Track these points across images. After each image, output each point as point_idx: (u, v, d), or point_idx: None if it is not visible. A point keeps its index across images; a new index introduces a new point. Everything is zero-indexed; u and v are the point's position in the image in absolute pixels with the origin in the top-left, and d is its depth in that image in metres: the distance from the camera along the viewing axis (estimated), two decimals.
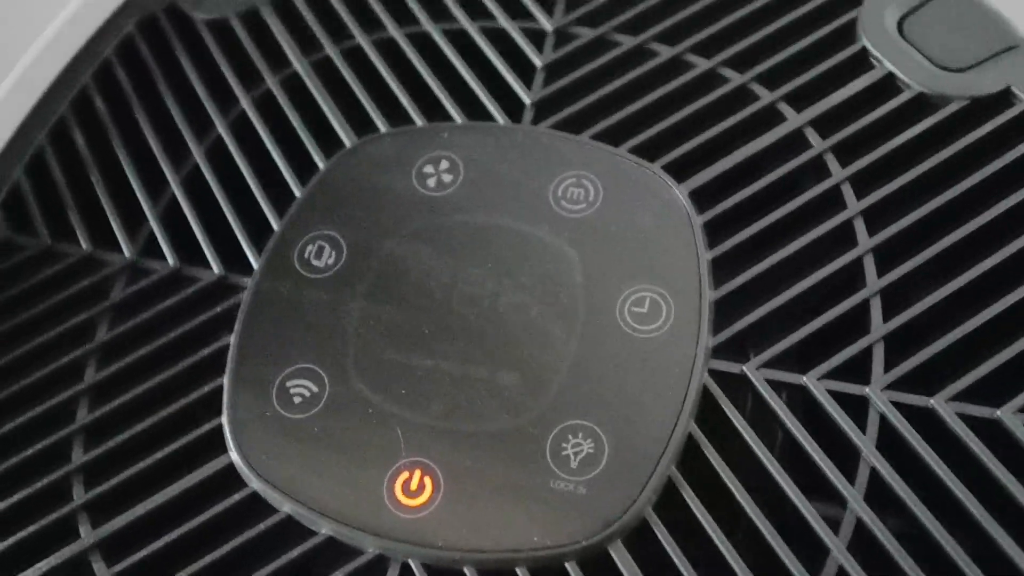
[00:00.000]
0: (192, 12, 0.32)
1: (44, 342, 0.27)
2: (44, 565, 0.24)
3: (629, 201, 0.26)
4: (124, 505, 0.24)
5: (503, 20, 0.30)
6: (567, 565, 0.22)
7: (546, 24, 0.30)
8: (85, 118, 0.31)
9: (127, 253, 0.28)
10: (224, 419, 0.25)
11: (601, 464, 0.23)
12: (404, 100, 0.29)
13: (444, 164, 0.27)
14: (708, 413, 0.23)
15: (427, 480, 0.23)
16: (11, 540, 0.24)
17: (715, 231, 0.25)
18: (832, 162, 0.26)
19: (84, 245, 0.28)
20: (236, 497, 0.24)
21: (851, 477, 0.22)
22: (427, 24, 0.31)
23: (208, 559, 0.23)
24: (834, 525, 0.21)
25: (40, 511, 0.24)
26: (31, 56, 0.31)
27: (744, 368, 0.23)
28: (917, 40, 0.27)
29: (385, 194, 0.27)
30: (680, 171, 0.26)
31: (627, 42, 0.29)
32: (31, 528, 0.24)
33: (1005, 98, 0.26)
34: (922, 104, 0.26)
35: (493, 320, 0.25)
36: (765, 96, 0.27)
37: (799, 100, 0.27)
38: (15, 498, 0.24)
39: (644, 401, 0.23)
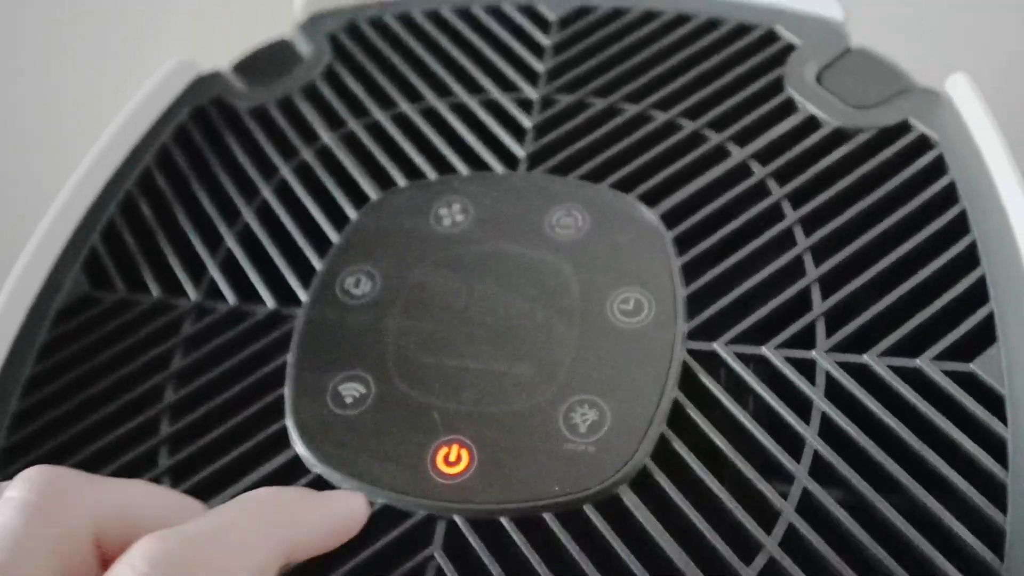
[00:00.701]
0: (235, 102, 0.38)
1: (129, 372, 0.32)
2: None
3: (611, 224, 0.32)
4: (206, 498, 0.29)
5: (496, 93, 0.36)
6: (585, 508, 0.26)
7: (532, 93, 0.36)
8: (149, 192, 0.36)
9: (192, 297, 0.33)
10: (288, 420, 0.30)
11: (605, 427, 0.28)
12: (419, 160, 0.35)
13: (456, 207, 0.33)
14: (688, 384, 0.28)
15: (463, 452, 0.28)
16: None
17: (682, 243, 0.31)
18: (772, 185, 0.32)
19: (155, 293, 0.34)
20: (303, 481, 0.28)
21: (806, 421, 0.27)
22: (433, 100, 0.37)
23: None
24: (796, 459, 0.26)
25: None
26: (101, 144, 0.37)
27: (715, 345, 0.29)
28: (832, 88, 0.34)
29: (408, 234, 0.33)
30: (651, 199, 0.32)
31: (600, 103, 0.35)
32: None
33: (905, 127, 0.32)
34: (839, 136, 0.33)
35: (506, 324, 0.30)
36: (714, 138, 0.34)
37: (743, 139, 0.33)
38: None
39: (636, 377, 0.28)
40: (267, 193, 0.35)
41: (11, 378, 0.32)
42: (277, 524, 0.23)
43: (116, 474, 0.29)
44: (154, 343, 0.32)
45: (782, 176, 0.32)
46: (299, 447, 0.29)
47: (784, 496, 0.26)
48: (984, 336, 0.27)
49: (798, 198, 0.32)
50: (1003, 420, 0.26)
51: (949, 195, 0.31)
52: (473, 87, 0.37)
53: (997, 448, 0.26)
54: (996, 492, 0.25)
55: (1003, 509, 0.24)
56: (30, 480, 0.21)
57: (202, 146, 0.37)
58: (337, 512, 0.26)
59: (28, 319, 0.33)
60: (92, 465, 0.30)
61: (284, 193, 0.35)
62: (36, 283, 0.34)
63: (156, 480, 0.29)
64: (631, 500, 0.26)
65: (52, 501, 0.21)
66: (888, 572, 0.24)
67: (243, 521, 0.22)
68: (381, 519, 0.28)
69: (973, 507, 0.25)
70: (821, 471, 0.26)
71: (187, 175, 0.37)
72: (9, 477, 0.28)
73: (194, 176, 0.37)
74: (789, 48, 0.36)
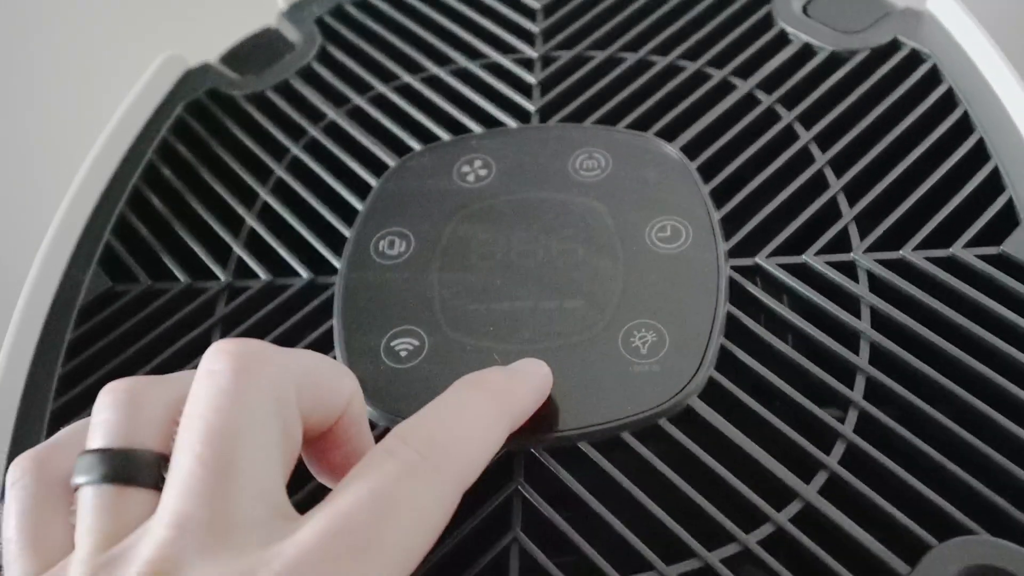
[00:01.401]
0: (231, 91, 0.38)
1: (167, 357, 0.31)
2: None
3: (635, 162, 0.33)
4: None
5: (496, 56, 0.37)
6: (660, 422, 0.27)
7: (531, 53, 0.37)
8: (156, 184, 0.36)
9: (222, 277, 0.33)
10: None
11: (665, 347, 0.28)
12: (430, 124, 0.35)
13: (478, 163, 0.34)
14: (738, 298, 0.29)
15: None
16: None
17: (706, 172, 0.32)
18: (781, 110, 0.33)
19: (182, 279, 0.33)
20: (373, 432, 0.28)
21: (857, 317, 0.28)
22: (435, 69, 0.37)
23: None
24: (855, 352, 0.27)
25: None
26: (100, 144, 0.36)
27: (756, 259, 0.30)
28: (820, 17, 0.36)
29: (434, 193, 0.33)
30: (669, 135, 0.33)
31: (599, 55, 0.36)
32: None
33: (896, 45, 0.34)
34: (835, 59, 0.34)
35: (549, 265, 0.31)
36: (718, 74, 0.35)
37: (745, 73, 0.35)
38: None
39: (686, 297, 0.29)
40: (281, 172, 0.35)
41: (41, 379, 0.31)
42: (504, 402, 0.24)
43: None
44: (189, 326, 0.32)
45: (789, 101, 0.34)
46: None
47: (849, 385, 0.27)
48: (1007, 220, 0.29)
49: (808, 119, 0.33)
50: None
51: (949, 100, 0.32)
52: (472, 53, 0.38)
53: None
54: None
55: None
56: (229, 352, 0.21)
57: (204, 136, 0.37)
58: (539, 382, 0.27)
59: (50, 319, 0.32)
60: None
61: (299, 170, 0.35)
62: (53, 283, 0.33)
63: None
64: (704, 410, 0.27)
65: (259, 367, 0.20)
66: (960, 442, 0.25)
67: (478, 402, 0.23)
68: None
69: None
70: (880, 360, 0.27)
71: (193, 164, 0.36)
72: None
73: (200, 164, 0.36)
74: None
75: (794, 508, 0.25)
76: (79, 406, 0.31)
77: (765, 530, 0.25)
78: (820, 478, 0.26)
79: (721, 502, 0.25)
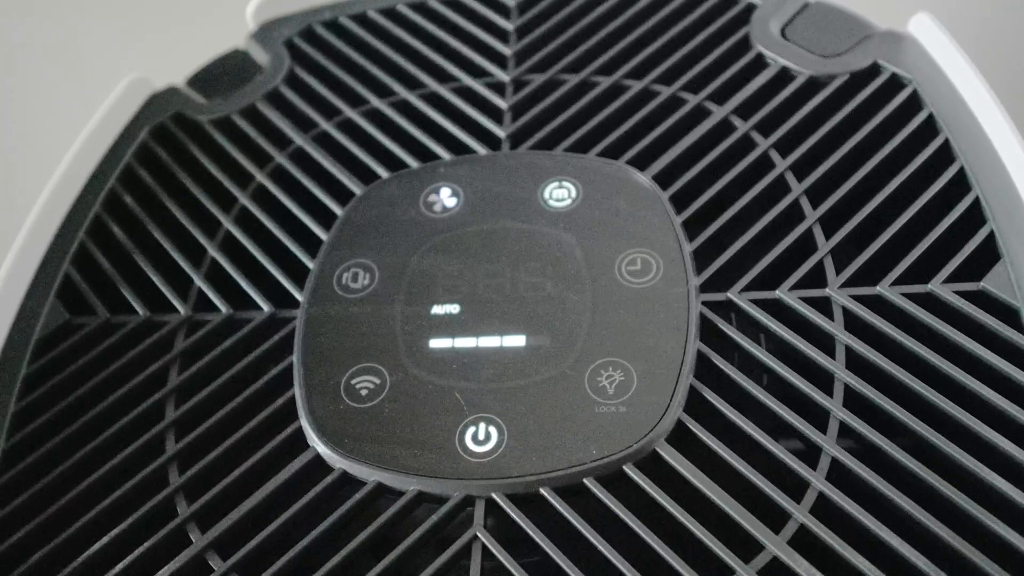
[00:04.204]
0: (196, 116, 0.37)
1: (124, 393, 0.30)
2: (166, 571, 0.26)
3: (606, 191, 0.32)
4: (224, 511, 0.27)
5: (467, 79, 0.36)
6: (625, 468, 0.26)
7: (503, 76, 0.36)
8: (117, 212, 0.35)
9: (182, 311, 0.32)
10: (303, 420, 0.28)
11: (633, 387, 0.27)
12: (398, 151, 0.34)
13: (446, 191, 0.33)
14: (709, 335, 0.28)
15: (491, 429, 0.27)
16: (128, 559, 0.27)
17: (679, 202, 0.31)
18: (757, 137, 0.32)
19: (140, 312, 0.32)
20: (328, 479, 0.27)
21: (831, 356, 0.27)
22: (404, 93, 0.36)
23: (310, 537, 0.26)
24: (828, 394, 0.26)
25: (150, 529, 0.27)
26: (61, 170, 0.35)
27: (728, 295, 0.29)
28: (798, 40, 0.35)
29: (400, 223, 0.32)
30: (641, 163, 0.32)
31: (572, 79, 0.35)
32: (143, 547, 0.27)
33: (876, 69, 0.33)
34: (814, 84, 0.33)
35: (516, 299, 0.30)
36: (692, 99, 0.34)
37: (720, 98, 0.34)
38: (130, 520, 0.27)
39: (655, 334, 0.28)
40: (245, 200, 0.34)
41: None
42: None
43: (125, 497, 0.28)
44: (147, 361, 0.31)
45: (765, 127, 0.33)
46: (319, 446, 0.28)
47: (822, 429, 0.26)
48: (988, 255, 0.28)
49: (784, 147, 0.32)
50: (1020, 331, 0.26)
51: (930, 127, 0.31)
52: (442, 76, 0.37)
53: (1019, 359, 0.26)
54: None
55: None
56: None
57: (167, 162, 0.36)
58: None
59: (5, 353, 0.31)
60: (98, 491, 0.28)
61: (263, 198, 0.34)
62: (9, 316, 0.32)
63: (170, 497, 0.28)
64: (671, 454, 0.26)
65: None
66: (934, 492, 0.24)
67: None
68: (415, 507, 0.27)
69: (1005, 417, 0.25)
70: (854, 402, 0.26)
71: (156, 192, 0.35)
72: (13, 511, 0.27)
73: (163, 192, 0.35)
74: (750, 8, 0.36)
75: (762, 560, 0.24)
76: (32, 443, 0.30)
77: None
78: (790, 527, 0.25)
79: (687, 552, 0.25)
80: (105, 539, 0.27)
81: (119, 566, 0.27)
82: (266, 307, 0.31)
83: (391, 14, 0.39)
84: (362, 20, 0.40)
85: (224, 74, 0.39)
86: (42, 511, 0.28)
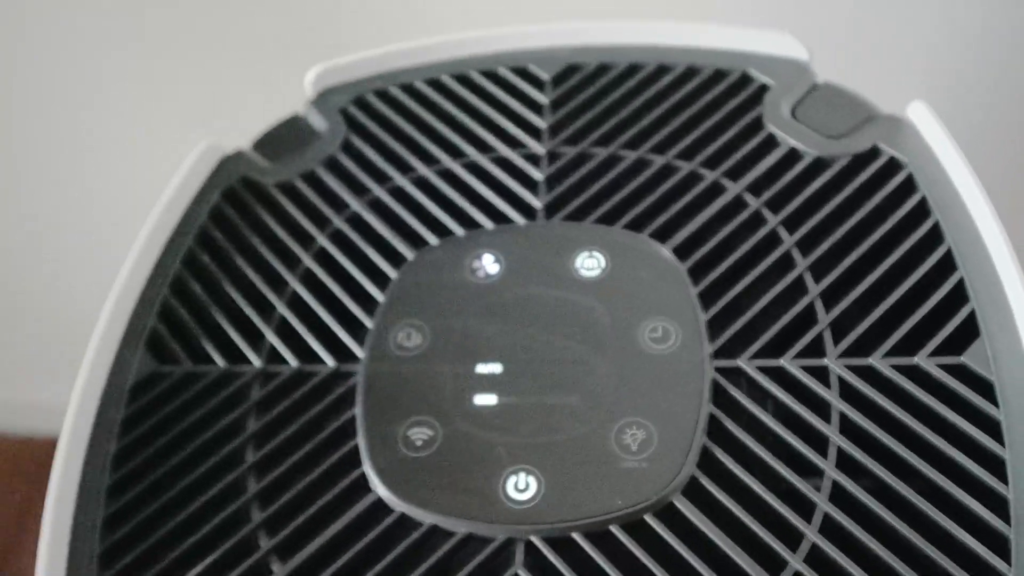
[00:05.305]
0: (262, 179, 0.42)
1: (209, 437, 0.35)
2: None
3: (631, 262, 0.36)
4: (300, 544, 0.32)
5: (506, 151, 0.40)
6: (645, 517, 0.30)
7: (538, 149, 0.40)
8: (195, 270, 0.39)
9: (256, 363, 0.36)
10: (366, 467, 0.33)
11: (653, 445, 0.31)
12: (444, 218, 0.39)
13: (488, 258, 0.37)
14: (720, 398, 0.32)
15: (530, 479, 0.31)
16: None
17: (695, 273, 0.35)
18: (767, 214, 0.36)
19: (220, 363, 0.37)
20: (388, 521, 0.32)
21: (827, 421, 0.31)
22: (448, 161, 0.41)
23: (374, 572, 0.31)
24: (823, 455, 0.30)
25: (235, 559, 0.32)
26: (146, 231, 0.39)
27: (738, 362, 0.33)
28: (807, 121, 0.38)
29: (448, 287, 0.36)
30: (662, 235, 0.36)
31: (601, 152, 0.39)
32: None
33: (876, 152, 0.37)
34: (820, 164, 0.37)
35: (551, 361, 0.34)
36: (709, 175, 0.38)
37: (735, 175, 0.38)
38: (218, 553, 0.32)
39: (674, 396, 0.32)
40: (308, 261, 0.39)
41: (98, 453, 0.35)
42: None
43: (214, 532, 0.32)
44: (227, 409, 0.35)
45: (775, 205, 0.36)
46: (380, 490, 0.32)
47: (817, 488, 0.30)
48: (969, 331, 0.32)
49: (791, 223, 0.36)
50: (994, 403, 0.30)
51: (922, 210, 0.35)
52: (483, 147, 0.41)
53: (993, 428, 0.30)
54: (997, 467, 0.29)
55: (1004, 480, 0.29)
56: None
57: (238, 223, 0.40)
58: None
59: (104, 398, 0.36)
60: (190, 526, 0.33)
61: (325, 259, 0.39)
62: (106, 365, 0.37)
63: (252, 534, 0.32)
64: (685, 506, 0.30)
65: None
66: (913, 547, 0.28)
67: None
68: (465, 547, 0.31)
69: (978, 482, 0.29)
70: (845, 464, 0.30)
71: (229, 251, 0.40)
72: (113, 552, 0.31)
73: (235, 251, 0.40)
74: (763, 88, 0.40)
75: None
76: (130, 481, 0.34)
77: None
78: (787, 572, 0.29)
79: None
80: (200, 567, 0.32)
81: None
82: (330, 362, 0.36)
83: (436, 84, 0.43)
84: (409, 90, 0.44)
85: (285, 138, 0.43)
86: (145, 540, 0.33)
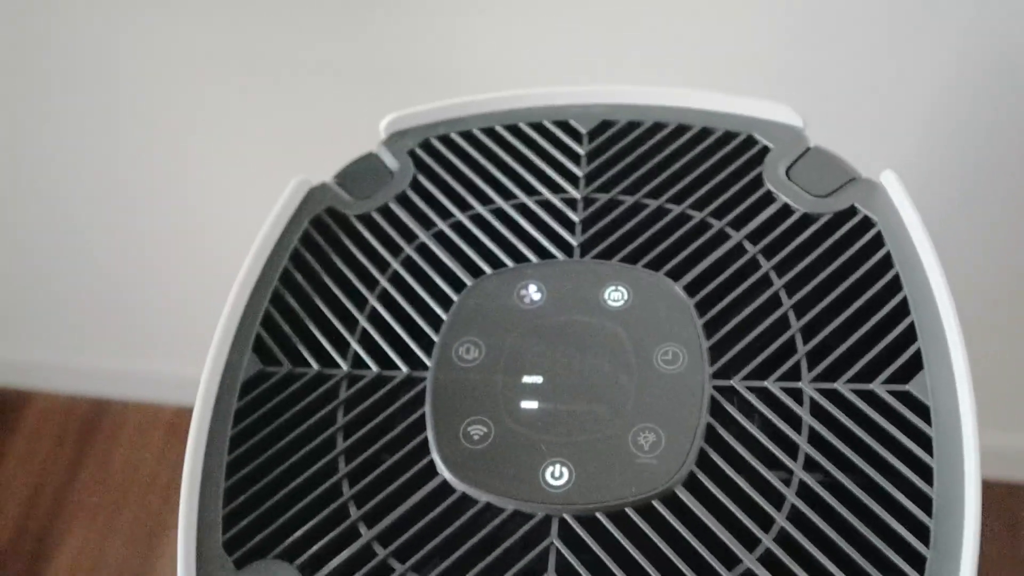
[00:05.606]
0: (345, 211, 0.50)
1: (306, 428, 0.43)
2: (341, 558, 0.40)
3: (649, 296, 0.44)
4: (381, 517, 0.41)
5: (548, 194, 0.49)
6: (654, 503, 0.39)
7: (575, 194, 0.48)
8: (291, 287, 0.48)
9: (343, 368, 0.45)
10: (434, 456, 0.41)
11: (662, 446, 0.40)
12: (497, 250, 0.47)
13: (533, 287, 0.45)
14: (716, 411, 0.41)
15: (564, 469, 0.40)
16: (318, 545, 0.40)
17: (701, 307, 0.44)
18: (762, 259, 0.45)
19: (314, 366, 0.45)
20: (450, 499, 0.40)
21: (799, 432, 0.40)
22: (501, 202, 0.49)
23: (439, 538, 0.40)
24: (793, 459, 0.39)
25: (329, 529, 0.41)
26: (253, 252, 0.48)
27: (732, 382, 0.41)
28: (798, 181, 0.47)
29: (500, 311, 0.45)
30: (675, 275, 0.45)
31: (628, 200, 0.48)
32: (325, 539, 0.40)
33: (853, 211, 0.45)
34: (806, 219, 0.45)
35: (583, 376, 0.42)
36: (716, 224, 0.46)
37: (737, 225, 0.46)
38: (318, 518, 0.41)
39: (679, 408, 0.41)
40: (385, 282, 0.47)
41: (218, 436, 0.44)
42: None
43: (313, 502, 0.41)
44: (320, 405, 0.44)
45: (768, 252, 0.45)
46: (445, 474, 0.41)
47: (787, 484, 0.39)
48: (915, 365, 0.40)
49: (781, 268, 0.44)
50: (929, 424, 0.39)
51: (886, 263, 0.43)
52: (530, 190, 0.49)
53: (926, 443, 0.38)
54: (926, 473, 0.38)
55: (931, 483, 0.37)
56: None
57: (325, 248, 0.49)
58: None
59: (221, 391, 0.45)
60: (294, 497, 0.41)
61: (397, 281, 0.47)
62: (221, 364, 0.46)
63: (343, 506, 0.41)
64: (685, 495, 0.39)
65: None
66: (858, 532, 0.37)
67: None
68: (511, 521, 0.40)
69: (911, 484, 0.38)
70: (811, 466, 0.39)
71: (318, 271, 0.48)
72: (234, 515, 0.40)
73: (324, 271, 0.48)
74: (765, 150, 0.48)
75: (739, 570, 0.37)
76: (244, 461, 0.43)
77: None
78: (760, 549, 0.37)
79: (692, 561, 0.37)
80: (302, 529, 0.41)
81: (317, 545, 0.40)
82: (404, 368, 0.44)
83: (491, 133, 0.52)
84: (468, 136, 0.52)
85: (361, 173, 0.52)
86: (258, 507, 0.42)
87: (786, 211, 0.46)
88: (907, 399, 0.40)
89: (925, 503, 0.37)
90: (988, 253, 0.75)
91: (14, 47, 0.77)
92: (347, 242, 0.49)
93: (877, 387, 0.40)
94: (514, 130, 0.52)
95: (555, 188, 0.49)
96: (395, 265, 0.48)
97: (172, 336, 1.14)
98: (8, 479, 1.35)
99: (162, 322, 1.12)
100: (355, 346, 0.46)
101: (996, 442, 1.01)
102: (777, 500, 0.38)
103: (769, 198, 0.47)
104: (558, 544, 0.39)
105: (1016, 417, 1.05)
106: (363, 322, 0.46)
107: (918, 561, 0.36)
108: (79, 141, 0.88)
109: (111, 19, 0.77)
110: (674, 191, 0.48)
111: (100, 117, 0.85)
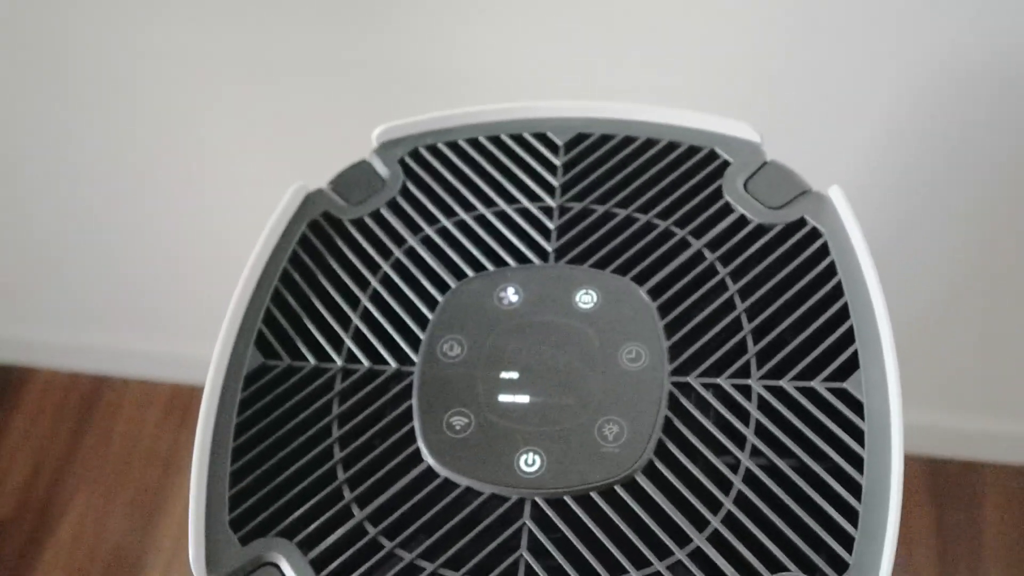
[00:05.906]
0: (340, 216, 0.54)
1: (304, 417, 0.48)
2: (335, 536, 0.44)
3: (616, 299, 0.48)
4: (372, 499, 0.45)
5: (527, 203, 0.53)
6: (616, 487, 0.43)
7: (551, 202, 0.53)
8: (290, 286, 0.52)
9: (338, 362, 0.49)
10: (419, 443, 0.46)
11: (624, 436, 0.45)
12: (479, 254, 0.51)
13: (511, 290, 0.50)
14: (674, 406, 0.45)
15: (536, 457, 0.45)
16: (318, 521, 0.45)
17: (663, 310, 0.48)
18: (719, 266, 0.49)
19: (311, 360, 0.50)
20: (434, 483, 0.45)
21: (746, 425, 0.44)
22: (483, 209, 0.53)
23: (423, 519, 0.44)
24: (741, 449, 0.44)
25: (326, 509, 0.45)
26: (255, 253, 0.52)
27: (688, 379, 0.46)
28: (754, 193, 0.51)
29: (480, 311, 0.49)
30: (641, 279, 0.49)
31: (600, 209, 0.52)
32: (321, 519, 0.45)
33: (803, 222, 0.49)
34: (760, 229, 0.50)
35: (555, 372, 0.47)
36: (679, 233, 0.50)
37: (698, 234, 0.50)
38: (315, 499, 0.45)
39: (641, 402, 0.45)
40: (376, 283, 0.52)
41: (224, 423, 0.48)
42: None
43: (311, 485, 0.46)
44: (317, 396, 0.48)
45: (725, 259, 0.49)
46: (430, 460, 0.45)
47: (734, 471, 0.43)
48: (852, 365, 0.45)
49: (736, 274, 0.49)
50: (862, 418, 0.43)
51: (830, 271, 0.48)
52: (509, 198, 0.53)
53: (859, 436, 0.43)
54: (857, 462, 0.42)
55: (861, 472, 0.42)
56: None
57: (322, 250, 0.53)
58: None
59: (226, 382, 0.49)
60: (293, 480, 0.46)
61: (388, 283, 0.52)
62: (226, 358, 0.50)
63: (338, 488, 0.46)
64: (644, 482, 0.44)
65: None
66: (796, 515, 0.42)
67: None
68: (489, 504, 0.44)
69: (844, 472, 0.42)
70: (756, 455, 0.43)
71: (315, 272, 0.53)
72: (239, 496, 0.44)
73: (320, 272, 0.52)
74: (725, 164, 0.52)
75: (690, 548, 0.42)
76: (250, 445, 0.47)
77: (672, 559, 0.42)
78: (709, 529, 0.42)
79: (649, 539, 0.42)
80: (301, 509, 0.45)
81: (314, 524, 0.45)
82: (393, 363, 0.49)
83: (475, 143, 0.56)
84: (454, 147, 0.56)
85: (355, 179, 0.56)
86: (261, 489, 0.46)
87: (742, 222, 0.50)
88: (844, 396, 0.44)
89: (855, 489, 0.42)
90: (930, 259, 0.80)
91: (34, 48, 0.81)
92: (342, 245, 0.53)
93: (818, 384, 0.45)
94: (496, 141, 0.56)
95: (533, 197, 0.53)
96: (385, 267, 0.52)
97: (171, 317, 1.19)
98: (11, 453, 1.40)
99: (161, 303, 1.16)
100: (349, 342, 0.50)
101: (924, 421, 1.08)
102: (725, 486, 0.43)
103: (727, 209, 0.51)
104: (530, 524, 0.43)
105: (945, 398, 1.11)
106: (356, 320, 0.51)
107: (847, 541, 0.41)
108: (86, 129, 0.91)
109: (111, 19, 0.80)
110: (641, 201, 0.52)
111: (108, 111, 0.88)
